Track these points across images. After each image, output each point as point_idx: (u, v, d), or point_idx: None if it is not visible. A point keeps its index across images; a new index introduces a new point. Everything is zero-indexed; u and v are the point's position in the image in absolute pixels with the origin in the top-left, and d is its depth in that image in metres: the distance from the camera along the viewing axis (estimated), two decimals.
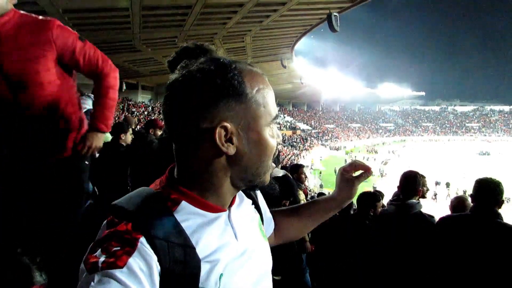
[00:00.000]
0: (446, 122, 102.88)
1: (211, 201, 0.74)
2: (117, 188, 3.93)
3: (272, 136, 0.75)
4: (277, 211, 1.12)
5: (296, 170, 5.27)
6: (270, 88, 0.75)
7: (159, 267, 0.61)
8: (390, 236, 2.96)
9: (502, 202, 2.48)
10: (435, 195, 30.12)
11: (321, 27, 19.87)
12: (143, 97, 37.79)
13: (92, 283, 0.55)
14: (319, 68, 56.49)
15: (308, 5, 15.90)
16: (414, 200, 2.95)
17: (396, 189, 4.53)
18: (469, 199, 3.47)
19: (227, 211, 0.78)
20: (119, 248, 0.60)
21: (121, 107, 29.97)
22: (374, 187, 31.47)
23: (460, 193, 29.37)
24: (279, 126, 54.13)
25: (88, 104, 3.89)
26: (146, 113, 32.45)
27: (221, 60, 0.72)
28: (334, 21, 14.75)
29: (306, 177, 5.74)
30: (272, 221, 1.08)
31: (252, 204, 0.94)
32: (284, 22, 18.63)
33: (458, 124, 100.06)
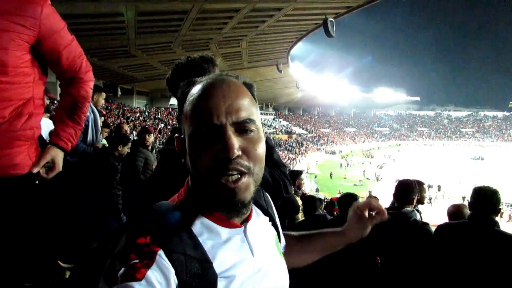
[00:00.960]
0: (441, 127, 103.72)
1: (221, 215, 0.72)
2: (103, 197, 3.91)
3: (198, 146, 0.66)
4: (285, 235, 1.08)
5: (294, 177, 5.23)
6: (209, 91, 0.67)
7: (176, 281, 0.61)
8: (386, 244, 2.95)
9: (499, 210, 2.51)
10: (430, 199, 30.21)
11: (317, 32, 19.96)
12: (138, 102, 37.71)
13: None
14: (315, 73, 56.74)
15: (304, 10, 15.99)
16: (409, 209, 2.95)
17: (388, 197, 4.54)
18: (468, 207, 3.48)
19: (243, 227, 0.76)
20: (137, 260, 0.60)
21: (117, 113, 29.84)
22: (369, 191, 31.60)
23: (456, 198, 29.64)
24: (275, 130, 54.29)
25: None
26: (141, 118, 32.34)
27: (191, 79, 0.75)
28: (330, 27, 14.84)
29: (302, 183, 5.73)
30: (285, 243, 1.04)
31: (270, 221, 0.91)
32: (280, 28, 18.72)
33: (453, 129, 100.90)
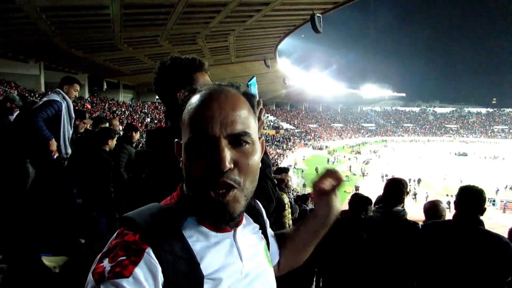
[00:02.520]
0: (426, 123, 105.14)
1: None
2: (98, 193, 3.90)
3: (191, 157, 0.68)
4: (279, 236, 1.09)
5: (279, 174, 5.28)
6: (200, 106, 0.69)
7: (163, 279, 0.62)
8: (376, 243, 2.98)
9: (485, 209, 2.52)
10: (415, 195, 30.66)
11: (304, 27, 19.99)
12: (124, 97, 37.17)
13: None
14: (303, 69, 56.88)
15: (292, 5, 15.97)
16: (399, 208, 2.97)
17: (377, 192, 4.58)
18: (443, 204, 3.54)
19: (233, 231, 0.78)
20: (125, 257, 0.60)
21: (102, 107, 29.41)
22: (356, 187, 31.97)
23: (441, 194, 30.17)
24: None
25: (52, 97, 3.87)
26: (127, 112, 31.93)
27: (192, 87, 0.76)
28: (317, 22, 14.87)
29: (288, 180, 5.79)
30: (277, 251, 1.05)
31: (260, 229, 0.92)
32: (267, 22, 18.67)
33: (437, 125, 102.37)
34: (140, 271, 0.60)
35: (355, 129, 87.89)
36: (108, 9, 13.58)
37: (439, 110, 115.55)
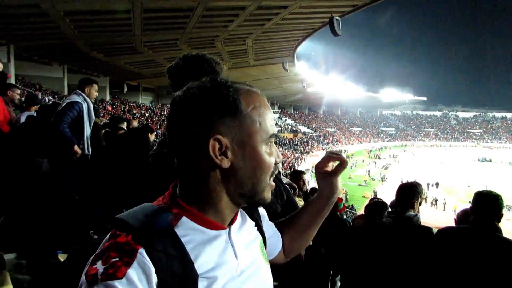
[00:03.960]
0: (448, 127, 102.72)
1: (210, 217, 0.74)
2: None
3: (270, 153, 0.75)
4: (278, 224, 1.11)
5: (296, 177, 5.23)
6: (268, 107, 0.77)
7: (156, 279, 0.62)
8: (388, 249, 2.93)
9: (502, 215, 2.45)
10: (436, 201, 29.95)
11: (323, 30, 19.88)
12: (144, 99, 37.90)
13: None
14: (321, 72, 56.51)
15: (310, 8, 15.93)
16: (412, 213, 2.90)
17: (391, 196, 4.50)
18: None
19: (227, 229, 0.78)
20: (118, 259, 0.60)
21: (122, 109, 30.00)
22: (375, 192, 31.49)
23: (463, 202, 29.30)
24: (280, 128, 54.22)
25: (73, 98, 3.97)
26: (147, 114, 32.47)
27: (219, 79, 0.75)
28: (336, 25, 14.74)
29: (304, 183, 5.73)
30: (280, 239, 1.07)
31: (255, 226, 0.92)
32: (286, 26, 18.67)
33: (460, 130, 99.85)
34: (133, 272, 0.60)
35: (374, 134, 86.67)
36: (129, 13, 13.87)
37: (461, 114, 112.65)
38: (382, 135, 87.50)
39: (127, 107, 31.17)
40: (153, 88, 39.05)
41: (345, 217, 7.01)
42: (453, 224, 3.31)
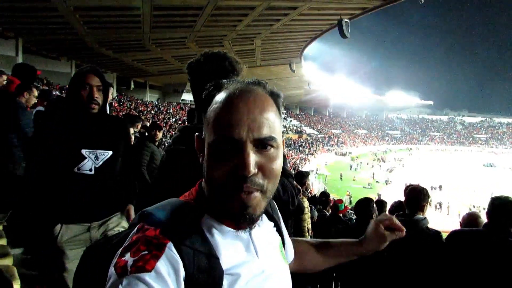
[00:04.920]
0: (454, 132, 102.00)
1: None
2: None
3: (219, 165, 0.66)
4: (303, 241, 1.12)
5: (301, 178, 5.24)
6: (227, 106, 0.67)
7: (184, 273, 0.62)
8: (398, 252, 2.92)
9: None
10: (440, 204, 29.80)
11: (331, 32, 19.83)
12: (151, 96, 38.02)
13: (120, 286, 0.58)
14: (328, 74, 56.41)
15: (319, 10, 15.89)
16: (420, 216, 2.90)
17: (395, 199, 4.48)
18: (482, 217, 3.43)
19: (248, 228, 0.76)
20: (147, 252, 0.61)
21: (129, 106, 30.11)
22: (378, 194, 31.34)
23: (467, 206, 29.21)
24: (285, 129, 54.13)
25: None
26: (153, 112, 32.57)
27: (219, 81, 0.75)
28: (344, 27, 14.73)
29: (308, 185, 5.76)
30: (292, 249, 1.06)
31: (274, 226, 0.92)
32: (294, 27, 18.65)
33: (466, 135, 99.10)
34: (162, 265, 0.60)
35: (380, 136, 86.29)
36: (138, 10, 13.92)
37: (467, 119, 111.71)
38: (387, 138, 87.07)
39: (133, 104, 31.28)
40: (160, 86, 39.14)
41: (353, 218, 6.98)
42: (457, 227, 3.31)
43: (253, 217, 0.68)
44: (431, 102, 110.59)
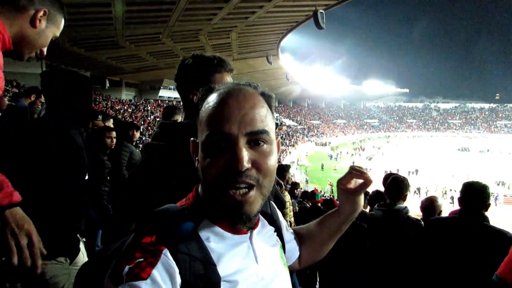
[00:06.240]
0: (429, 118, 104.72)
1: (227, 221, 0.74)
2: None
3: (211, 161, 0.66)
4: (296, 232, 1.11)
5: (282, 172, 5.25)
6: (217, 104, 0.68)
7: (180, 280, 0.62)
8: (380, 241, 2.97)
9: (489, 205, 2.52)
10: (418, 189, 30.61)
11: (307, 24, 19.88)
12: (127, 95, 37.24)
13: None
14: (305, 65, 56.72)
15: (294, 1, 15.91)
16: (401, 205, 2.96)
17: (375, 188, 4.57)
18: (439, 200, 3.58)
19: (249, 234, 0.77)
20: (142, 259, 0.61)
21: (104, 105, 29.45)
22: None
23: (444, 190, 30.15)
24: None
25: None
26: (130, 110, 31.99)
27: (211, 85, 0.76)
28: (320, 18, 14.75)
29: (289, 178, 5.79)
30: (297, 249, 1.06)
31: (275, 231, 0.91)
32: (270, 19, 18.59)
33: (441, 121, 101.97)
34: (157, 272, 0.60)
35: (358, 125, 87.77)
36: (109, 7, 13.55)
37: (442, 106, 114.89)
38: (365, 126, 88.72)
39: (109, 103, 30.61)
40: (136, 83, 38.39)
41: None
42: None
43: (250, 217, 0.68)
44: (407, 90, 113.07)
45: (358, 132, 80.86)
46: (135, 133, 4.74)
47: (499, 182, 35.08)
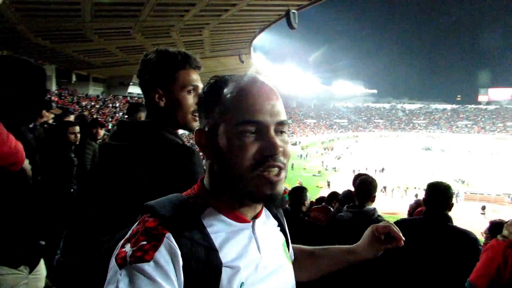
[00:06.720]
0: (396, 119, 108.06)
1: (232, 209, 0.76)
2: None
3: (244, 144, 0.70)
4: (296, 249, 1.11)
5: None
6: (251, 92, 0.72)
7: (182, 262, 0.64)
8: (349, 243, 2.98)
9: (452, 205, 2.59)
10: (385, 187, 31.52)
11: (280, 23, 19.99)
12: (94, 90, 35.97)
13: (120, 277, 0.60)
14: (277, 65, 57.06)
15: (267, 1, 15.95)
16: (370, 207, 2.97)
17: (349, 186, 4.64)
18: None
19: (251, 222, 0.79)
20: (146, 242, 0.63)
21: (70, 100, 28.39)
22: (328, 181, 32.54)
23: (408, 187, 31.23)
24: None
25: None
26: (97, 106, 31.01)
27: (220, 76, 0.78)
28: (292, 18, 14.87)
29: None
30: (293, 254, 1.07)
31: (278, 226, 0.93)
32: (243, 17, 18.53)
33: (406, 121, 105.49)
34: (160, 255, 0.62)
35: (328, 125, 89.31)
36: None
37: (408, 106, 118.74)
38: (335, 126, 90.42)
39: (75, 99, 29.52)
40: (104, 78, 37.19)
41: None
42: (401, 208, 3.51)
43: (280, 195, 0.73)
44: (375, 91, 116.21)
45: (328, 132, 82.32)
46: (99, 131, 4.58)
47: (459, 179, 36.73)
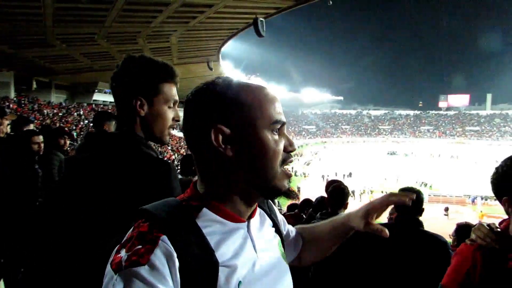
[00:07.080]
0: (362, 124, 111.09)
1: (228, 209, 0.76)
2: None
3: (276, 140, 0.76)
4: (299, 229, 1.13)
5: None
6: (271, 97, 0.78)
7: (178, 264, 0.63)
8: None
9: (423, 210, 2.66)
10: (353, 192, 32.23)
11: (248, 31, 20.16)
12: (57, 97, 34.59)
13: (115, 282, 0.60)
14: (246, 72, 57.33)
15: (235, 8, 16.03)
16: (343, 213, 3.00)
17: (318, 191, 4.68)
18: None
19: (246, 222, 0.80)
20: (141, 246, 0.63)
21: (31, 108, 27.17)
22: (298, 187, 32.82)
23: (376, 192, 32.10)
24: None
25: None
26: (60, 114, 29.86)
27: (226, 77, 0.80)
28: (260, 26, 15.04)
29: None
30: (299, 240, 1.10)
31: (273, 226, 0.94)
32: (211, 25, 18.54)
33: (372, 127, 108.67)
34: (156, 258, 0.62)
35: (297, 131, 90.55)
36: (38, 1, 12.58)
37: (373, 112, 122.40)
38: (304, 132, 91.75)
39: (36, 106, 28.29)
40: (67, 85, 35.82)
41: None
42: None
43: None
44: (341, 98, 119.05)
45: (297, 138, 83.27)
46: (66, 140, 4.37)
47: (422, 183, 38.14)
